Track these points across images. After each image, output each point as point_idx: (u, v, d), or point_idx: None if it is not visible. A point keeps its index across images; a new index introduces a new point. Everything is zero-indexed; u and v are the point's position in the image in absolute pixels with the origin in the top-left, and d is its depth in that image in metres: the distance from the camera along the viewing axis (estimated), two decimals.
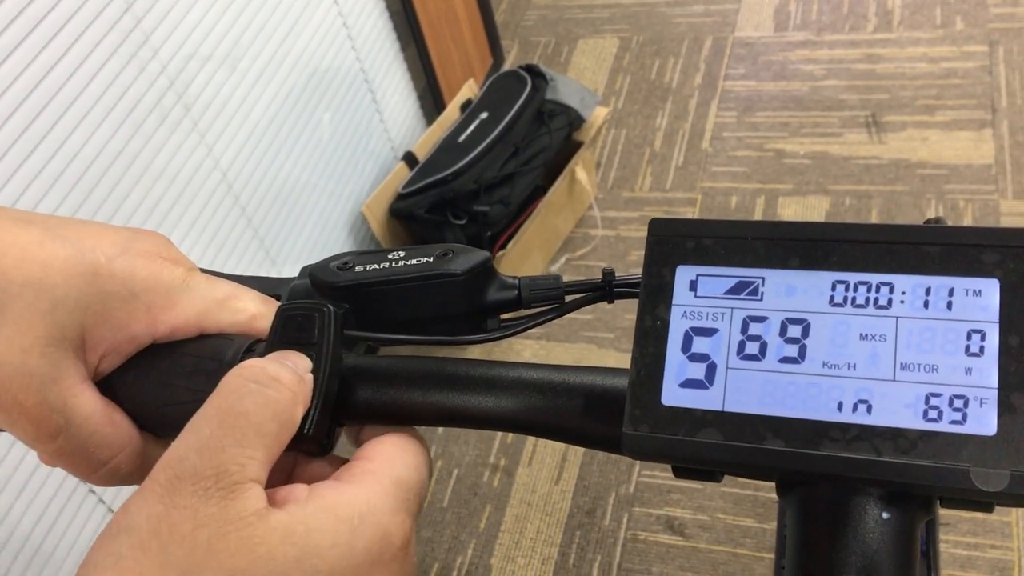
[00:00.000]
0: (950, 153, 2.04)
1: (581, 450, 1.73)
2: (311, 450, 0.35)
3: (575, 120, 1.99)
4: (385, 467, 0.33)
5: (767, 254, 0.30)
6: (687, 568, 1.54)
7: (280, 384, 0.32)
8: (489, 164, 1.87)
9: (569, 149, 2.00)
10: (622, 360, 1.84)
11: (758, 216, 2.04)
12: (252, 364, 0.32)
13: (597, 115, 2.04)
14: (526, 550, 1.62)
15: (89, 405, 0.35)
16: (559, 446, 1.74)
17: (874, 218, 1.97)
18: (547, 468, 1.72)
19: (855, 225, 0.30)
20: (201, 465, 0.29)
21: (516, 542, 1.64)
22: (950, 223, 0.30)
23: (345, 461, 0.36)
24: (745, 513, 1.59)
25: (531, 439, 1.78)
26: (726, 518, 1.59)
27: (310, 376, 0.34)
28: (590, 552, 1.60)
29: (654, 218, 0.31)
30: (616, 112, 2.36)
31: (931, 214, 1.94)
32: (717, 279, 0.30)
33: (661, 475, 1.66)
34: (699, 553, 1.56)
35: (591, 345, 1.88)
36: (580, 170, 2.00)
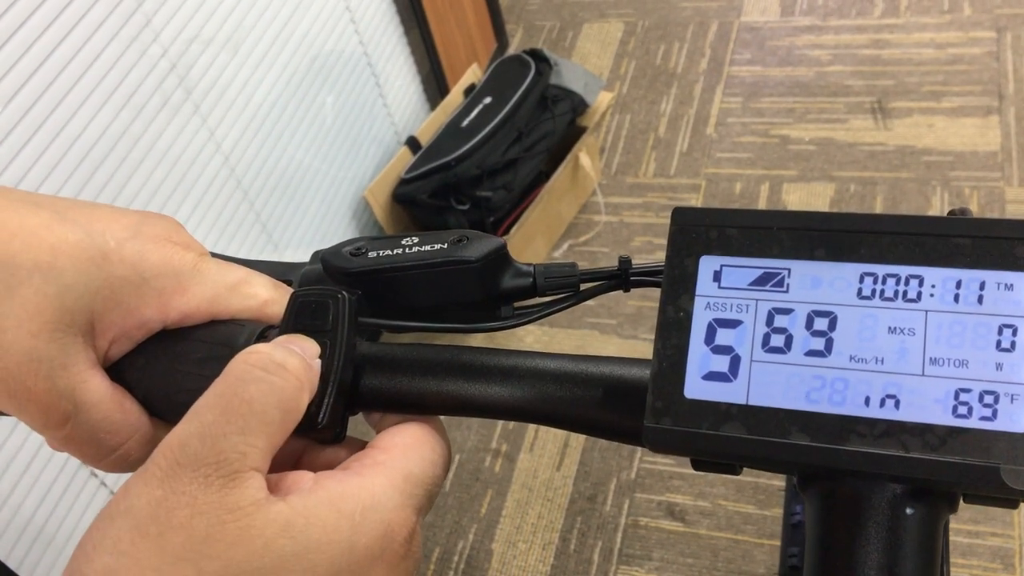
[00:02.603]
0: (956, 140, 2.03)
1: (583, 436, 1.73)
2: (324, 438, 0.35)
3: (579, 105, 1.98)
4: (397, 460, 0.32)
5: (793, 245, 0.29)
6: (688, 554, 1.55)
7: (286, 372, 0.31)
8: (492, 149, 1.86)
9: (573, 134, 1.99)
10: (624, 347, 1.83)
11: (762, 203, 2.03)
12: (258, 350, 0.32)
13: (601, 100, 2.03)
14: (527, 535, 1.63)
15: (99, 391, 0.35)
16: (561, 432, 1.73)
17: (879, 205, 1.96)
18: (549, 454, 1.72)
19: (884, 216, 0.29)
20: (203, 452, 0.28)
21: (517, 527, 1.64)
22: (975, 214, 0.30)
23: (359, 443, 0.36)
24: (746, 500, 1.59)
25: (533, 424, 1.78)
26: (727, 504, 1.59)
27: (317, 362, 0.33)
28: (591, 538, 1.60)
29: (677, 207, 0.31)
30: (620, 97, 2.35)
31: (936, 201, 1.93)
32: (742, 270, 0.30)
33: (662, 461, 1.67)
34: (700, 539, 1.56)
35: (594, 331, 1.88)
36: (584, 155, 1.99)
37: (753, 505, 1.58)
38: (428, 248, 0.37)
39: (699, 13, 2.51)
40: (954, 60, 2.19)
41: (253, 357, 0.31)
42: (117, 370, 0.36)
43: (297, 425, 0.32)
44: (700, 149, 2.17)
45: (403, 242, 0.38)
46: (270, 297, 0.38)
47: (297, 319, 0.35)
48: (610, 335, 1.87)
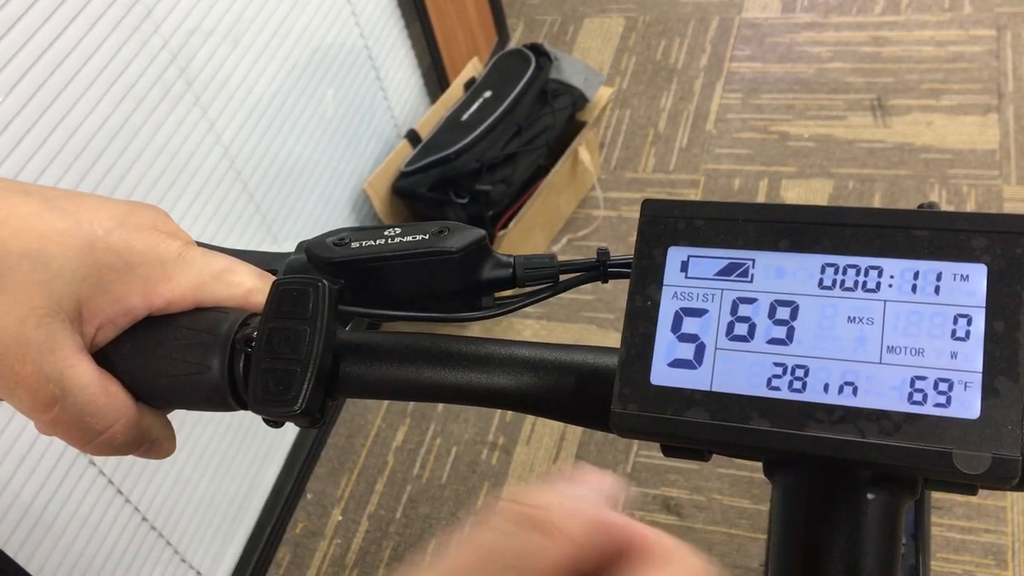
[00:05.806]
0: (955, 138, 2.03)
1: (579, 429, 1.74)
2: (303, 424, 0.35)
3: (579, 100, 1.98)
4: None
5: (758, 236, 0.30)
6: None
7: None
8: (492, 143, 1.87)
9: (572, 129, 1.99)
10: None
11: (761, 199, 2.04)
12: None
13: (601, 95, 2.04)
14: None
15: (85, 375, 0.36)
16: (557, 425, 1.74)
17: (877, 202, 1.96)
18: (545, 447, 1.73)
19: (845, 209, 0.30)
20: None
21: None
22: (944, 208, 0.30)
23: None
24: (741, 494, 1.60)
25: (530, 417, 1.79)
26: (722, 499, 1.60)
27: None
28: None
29: (646, 199, 0.32)
30: (621, 92, 2.35)
31: (935, 198, 1.93)
32: (708, 260, 0.31)
33: (658, 455, 1.67)
34: (695, 533, 1.57)
35: (591, 325, 1.89)
36: (583, 150, 2.00)
37: (748, 499, 1.59)
38: (410, 239, 0.38)
39: (700, 9, 2.51)
40: (954, 58, 2.19)
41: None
42: (103, 355, 0.37)
43: (277, 408, 0.33)
44: (699, 145, 2.17)
45: (386, 233, 0.39)
46: (254, 286, 0.39)
47: (279, 307, 0.35)
48: (607, 329, 1.87)
